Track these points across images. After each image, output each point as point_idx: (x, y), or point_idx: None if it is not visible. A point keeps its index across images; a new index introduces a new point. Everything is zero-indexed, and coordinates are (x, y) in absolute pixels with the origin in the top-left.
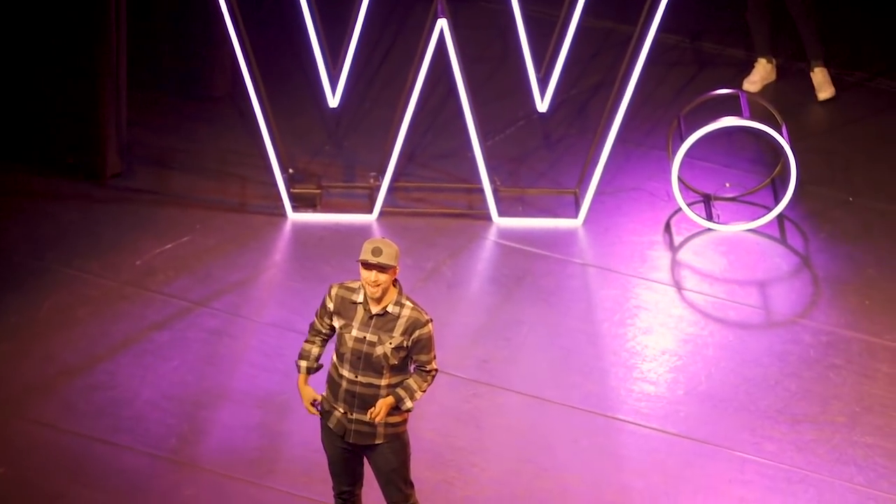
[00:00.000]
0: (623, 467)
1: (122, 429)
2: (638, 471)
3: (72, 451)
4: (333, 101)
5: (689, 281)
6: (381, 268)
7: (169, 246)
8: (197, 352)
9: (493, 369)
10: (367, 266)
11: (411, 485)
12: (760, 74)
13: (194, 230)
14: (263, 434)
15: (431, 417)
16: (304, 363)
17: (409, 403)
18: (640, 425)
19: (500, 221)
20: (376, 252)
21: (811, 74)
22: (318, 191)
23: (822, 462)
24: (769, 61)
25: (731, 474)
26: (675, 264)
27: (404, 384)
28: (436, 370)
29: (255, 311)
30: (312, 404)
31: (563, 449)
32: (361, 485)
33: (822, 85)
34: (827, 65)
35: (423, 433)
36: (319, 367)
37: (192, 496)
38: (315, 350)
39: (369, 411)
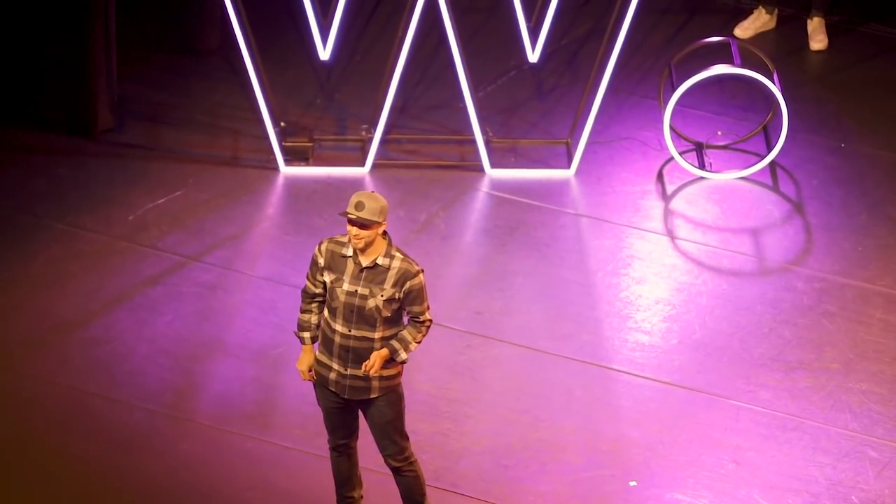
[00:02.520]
0: (618, 417)
1: (117, 383)
2: (633, 420)
3: (68, 406)
4: (324, 53)
5: (682, 230)
6: (361, 224)
7: (161, 200)
8: (191, 306)
9: (488, 321)
10: (349, 221)
11: (406, 437)
12: (754, 24)
13: (187, 184)
14: (259, 388)
15: (426, 369)
16: (307, 334)
17: (403, 355)
18: (634, 375)
19: (492, 172)
20: (359, 206)
21: (808, 21)
22: (310, 144)
23: (816, 409)
24: (769, 12)
25: (726, 422)
26: (667, 213)
27: (398, 336)
28: (430, 320)
29: (249, 264)
30: (309, 370)
31: (558, 399)
32: (357, 437)
33: (817, 35)
34: (827, 16)
35: (417, 385)
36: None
37: (189, 450)
38: (314, 318)
39: (364, 364)
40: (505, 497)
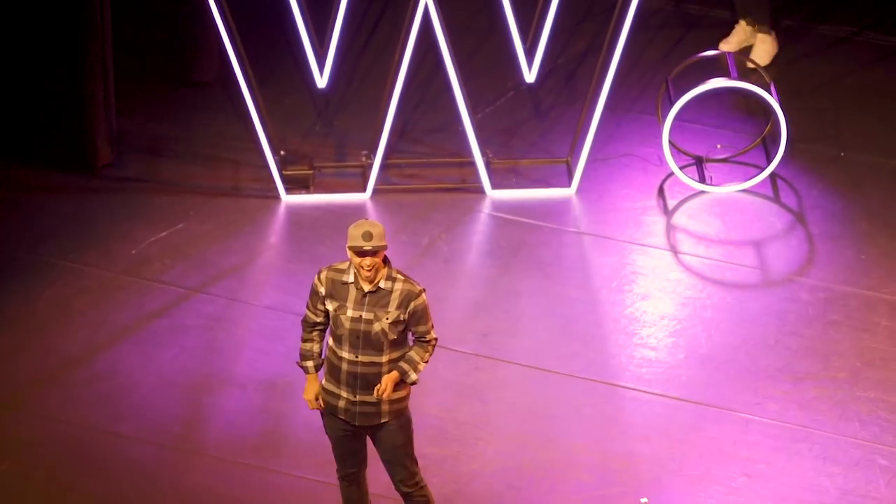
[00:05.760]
0: (627, 434)
1: (125, 418)
2: (642, 437)
3: (76, 443)
4: (322, 81)
5: (685, 244)
6: (374, 252)
7: (163, 233)
8: (196, 338)
9: (494, 342)
10: (362, 253)
11: (416, 461)
12: (738, 37)
13: (188, 216)
14: (267, 417)
15: (434, 393)
16: (310, 363)
17: (413, 376)
18: (642, 391)
19: (493, 194)
20: (367, 236)
21: (735, 26)
22: (311, 171)
23: (825, 419)
24: (749, 24)
25: (736, 436)
26: (670, 228)
27: (406, 357)
28: (435, 339)
29: (253, 294)
30: (316, 399)
31: (567, 418)
32: (366, 466)
33: (764, 49)
34: (773, 31)
35: (426, 409)
36: (324, 361)
37: (198, 482)
38: (316, 347)
39: (376, 388)
40: None
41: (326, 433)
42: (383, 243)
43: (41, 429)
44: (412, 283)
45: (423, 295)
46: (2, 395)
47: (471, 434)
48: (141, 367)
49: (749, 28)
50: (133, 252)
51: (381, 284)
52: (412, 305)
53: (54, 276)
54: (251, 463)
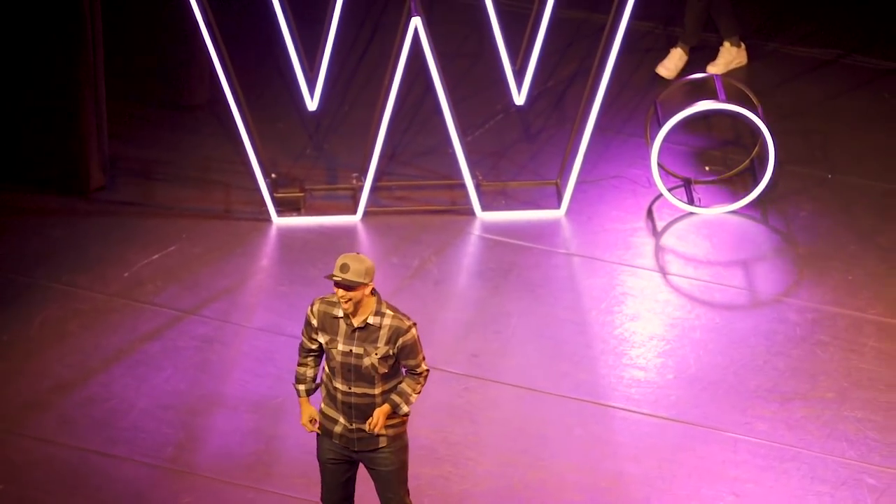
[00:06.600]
0: (617, 454)
1: (118, 440)
2: (632, 456)
3: (70, 465)
4: (312, 104)
5: (674, 265)
6: (347, 286)
7: (156, 256)
8: (189, 360)
9: (484, 363)
10: (335, 283)
11: (407, 490)
12: (725, 59)
13: (180, 239)
14: (259, 438)
15: (425, 414)
16: (302, 387)
17: (405, 408)
18: (631, 411)
19: (483, 216)
20: (344, 268)
21: (721, 48)
22: (302, 194)
23: (813, 439)
24: (734, 45)
25: (724, 455)
26: (659, 250)
27: (398, 389)
28: (427, 371)
29: (245, 316)
30: (311, 422)
31: (557, 438)
32: (353, 503)
33: (724, 61)
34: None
35: (417, 430)
36: (318, 386)
37: (191, 503)
38: (310, 372)
39: (368, 422)
40: None
41: (318, 459)
42: (360, 280)
43: (35, 451)
44: (401, 319)
45: (413, 330)
46: None
47: (461, 454)
48: (134, 390)
49: (735, 49)
50: (126, 275)
51: (370, 320)
52: (401, 341)
53: (48, 299)
54: (243, 483)
